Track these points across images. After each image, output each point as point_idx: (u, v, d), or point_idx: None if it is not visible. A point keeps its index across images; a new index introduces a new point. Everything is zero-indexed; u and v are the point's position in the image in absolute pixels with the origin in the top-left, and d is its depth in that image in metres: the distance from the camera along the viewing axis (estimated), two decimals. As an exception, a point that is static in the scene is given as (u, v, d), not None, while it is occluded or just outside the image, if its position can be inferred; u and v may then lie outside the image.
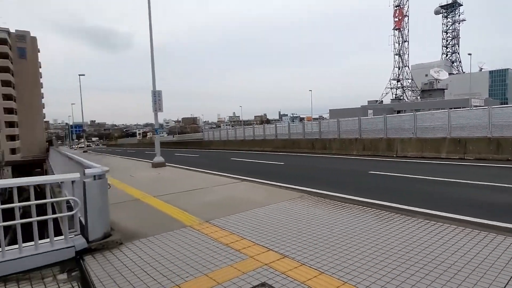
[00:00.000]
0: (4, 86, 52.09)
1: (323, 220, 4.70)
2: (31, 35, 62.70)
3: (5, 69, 53.00)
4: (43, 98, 66.50)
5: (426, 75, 72.33)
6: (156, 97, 14.02)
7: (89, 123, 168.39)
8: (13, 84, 56.14)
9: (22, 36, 60.89)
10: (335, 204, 5.66)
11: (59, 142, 71.59)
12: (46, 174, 28.91)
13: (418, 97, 72.45)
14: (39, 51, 64.53)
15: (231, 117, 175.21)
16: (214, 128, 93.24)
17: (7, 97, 53.29)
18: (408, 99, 76.87)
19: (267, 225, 4.57)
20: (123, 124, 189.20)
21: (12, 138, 53.44)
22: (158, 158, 13.77)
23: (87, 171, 4.13)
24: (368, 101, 77.14)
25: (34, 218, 3.66)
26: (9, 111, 53.90)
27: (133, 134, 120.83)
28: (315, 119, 71.36)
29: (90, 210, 4.03)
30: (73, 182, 4.00)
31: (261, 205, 5.76)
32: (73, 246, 3.77)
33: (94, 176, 4.11)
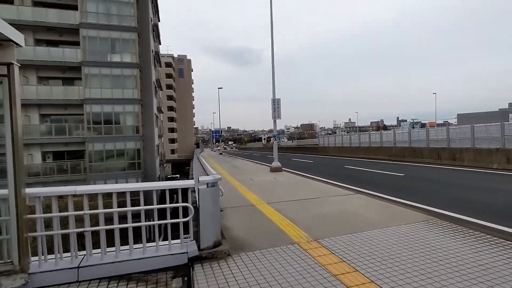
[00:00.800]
0: (169, 100, 62.77)
1: (463, 260, 3.34)
2: (187, 58, 74.24)
3: (170, 86, 63.82)
4: (194, 108, 77.78)
5: None
6: (275, 105, 14.00)
7: (226, 129, 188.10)
8: (174, 98, 67.30)
9: (181, 59, 72.67)
10: (478, 236, 4.08)
11: (203, 145, 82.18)
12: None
13: None
14: (192, 70, 75.85)
15: (346, 123, 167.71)
16: (329, 134, 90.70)
17: (170, 108, 64.00)
18: None
19: (385, 256, 3.53)
20: (252, 130, 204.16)
21: (172, 141, 63.93)
22: (276, 163, 13.67)
23: (200, 178, 3.97)
24: (509, 103, 60.89)
25: (156, 222, 3.69)
26: (170, 119, 64.69)
27: (259, 139, 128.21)
28: (438, 124, 60.71)
29: (202, 217, 3.85)
30: (188, 188, 3.91)
31: (377, 226, 4.66)
32: (186, 252, 3.62)
33: (207, 183, 3.92)
